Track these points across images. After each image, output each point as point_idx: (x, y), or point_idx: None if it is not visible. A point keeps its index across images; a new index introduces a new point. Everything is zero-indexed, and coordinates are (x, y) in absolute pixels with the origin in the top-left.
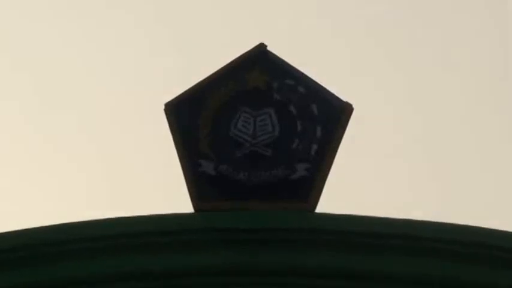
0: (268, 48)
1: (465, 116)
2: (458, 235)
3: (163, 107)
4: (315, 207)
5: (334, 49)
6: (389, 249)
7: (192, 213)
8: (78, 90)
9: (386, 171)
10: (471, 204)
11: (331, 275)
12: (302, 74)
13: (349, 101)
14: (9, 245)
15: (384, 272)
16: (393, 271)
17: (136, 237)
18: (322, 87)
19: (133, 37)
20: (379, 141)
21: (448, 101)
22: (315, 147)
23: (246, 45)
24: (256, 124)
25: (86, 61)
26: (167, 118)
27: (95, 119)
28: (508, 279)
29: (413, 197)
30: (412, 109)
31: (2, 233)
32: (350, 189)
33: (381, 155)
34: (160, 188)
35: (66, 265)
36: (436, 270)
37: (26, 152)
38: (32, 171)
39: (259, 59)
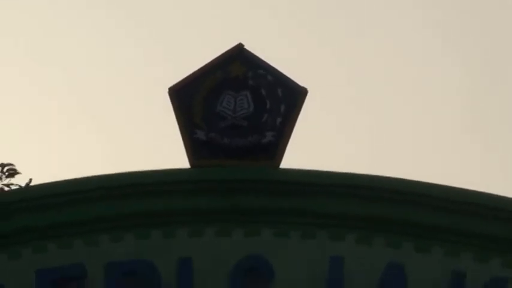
0: (245, 46)
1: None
2: (392, 185)
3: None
4: (279, 164)
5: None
6: (329, 193)
7: (189, 168)
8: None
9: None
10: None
11: (291, 213)
12: (270, 66)
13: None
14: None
15: (333, 212)
16: (336, 210)
17: (148, 185)
18: (285, 76)
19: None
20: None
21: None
22: (279, 119)
23: (229, 44)
24: (236, 103)
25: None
26: (170, 99)
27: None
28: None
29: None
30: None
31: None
32: (309, 150)
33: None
34: (164, 151)
35: (92, 206)
36: (379, 211)
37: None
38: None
39: (238, 54)
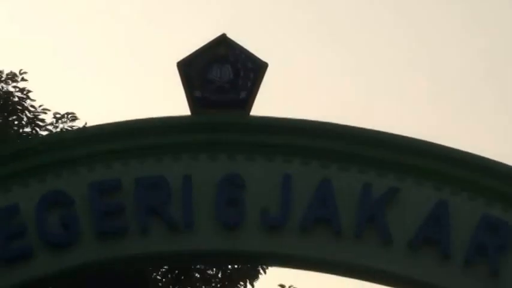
0: (227, 35)
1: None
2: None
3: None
4: (249, 112)
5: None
6: (279, 130)
7: (190, 115)
8: None
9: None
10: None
11: (257, 144)
12: (243, 48)
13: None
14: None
15: (282, 142)
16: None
17: (166, 125)
18: (253, 54)
19: None
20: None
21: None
22: (249, 83)
23: (217, 33)
24: (221, 72)
25: None
26: (178, 70)
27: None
28: None
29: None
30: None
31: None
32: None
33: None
34: (175, 105)
35: (125, 140)
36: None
37: None
38: None
39: (223, 41)
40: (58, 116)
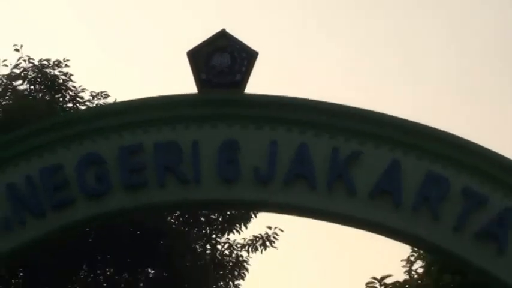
0: (227, 30)
1: None
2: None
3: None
4: (243, 91)
5: None
6: (268, 105)
7: (197, 93)
8: None
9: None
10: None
11: (249, 116)
12: (238, 40)
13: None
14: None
15: (270, 115)
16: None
17: (179, 101)
18: (246, 45)
19: None
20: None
21: None
22: (244, 68)
23: (218, 28)
24: (222, 60)
25: None
26: (188, 58)
27: None
28: None
29: None
30: None
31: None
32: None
33: None
34: (186, 85)
35: (144, 112)
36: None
37: None
38: None
39: (222, 35)
40: (94, 94)
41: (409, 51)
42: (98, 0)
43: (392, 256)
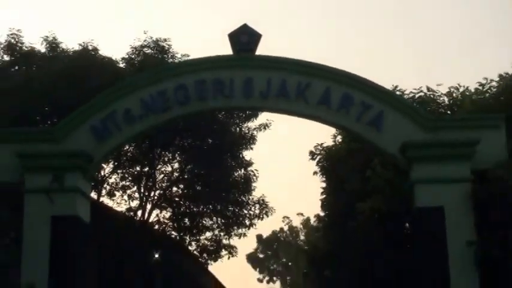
0: (248, 24)
1: None
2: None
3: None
4: (255, 53)
5: None
6: (270, 60)
7: (233, 54)
8: None
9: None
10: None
11: (258, 66)
12: (253, 29)
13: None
14: None
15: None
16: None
17: (220, 60)
18: (256, 31)
19: None
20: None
21: None
22: (253, 43)
23: (241, 22)
24: (243, 40)
25: None
26: (228, 37)
27: None
28: None
29: None
30: None
31: None
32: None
33: None
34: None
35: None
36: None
37: None
38: None
39: (243, 29)
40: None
41: None
42: None
43: (326, 134)
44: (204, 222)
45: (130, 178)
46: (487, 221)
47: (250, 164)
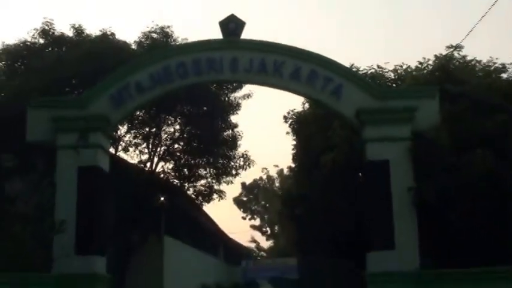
0: (236, 14)
1: None
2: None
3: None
4: (240, 37)
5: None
6: (254, 44)
7: (223, 38)
8: None
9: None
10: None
11: (242, 47)
12: (239, 18)
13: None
14: None
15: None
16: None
17: (215, 42)
18: (241, 19)
19: None
20: None
21: None
22: (240, 29)
23: (228, 13)
24: (232, 25)
25: None
26: (219, 24)
27: None
28: None
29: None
30: None
31: None
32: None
33: None
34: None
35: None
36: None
37: None
38: None
39: (231, 18)
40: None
41: None
42: None
43: (297, 102)
44: (199, 172)
45: (141, 137)
46: (422, 171)
47: (236, 126)
